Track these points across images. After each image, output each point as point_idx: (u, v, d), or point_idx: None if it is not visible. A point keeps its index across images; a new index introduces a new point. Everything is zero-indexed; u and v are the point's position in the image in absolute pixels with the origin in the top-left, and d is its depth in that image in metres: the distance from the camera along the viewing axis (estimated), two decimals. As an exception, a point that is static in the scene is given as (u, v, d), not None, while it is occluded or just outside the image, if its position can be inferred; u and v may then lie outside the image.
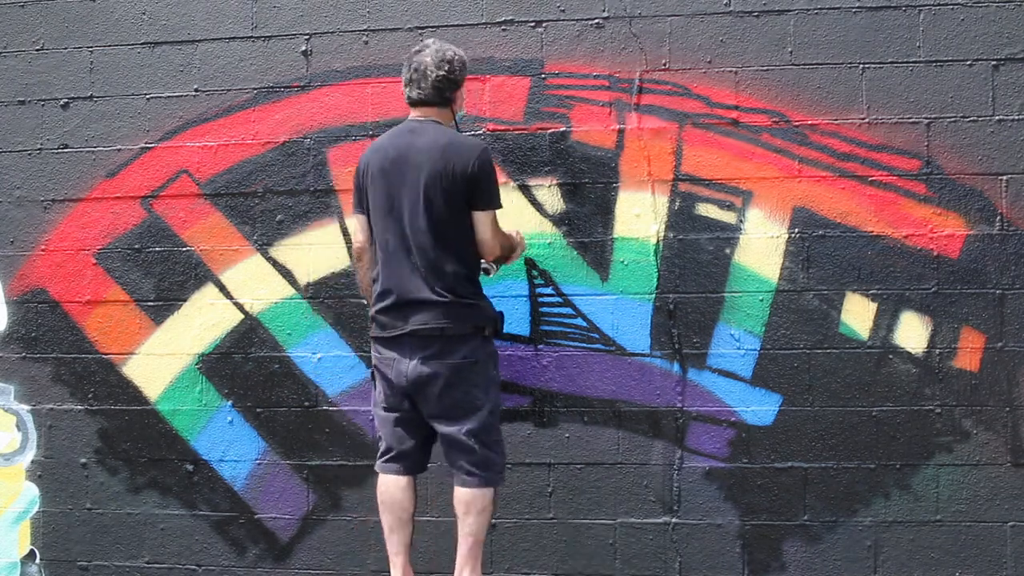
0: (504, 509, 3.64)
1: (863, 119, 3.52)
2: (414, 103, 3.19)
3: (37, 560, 3.89)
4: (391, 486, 3.19)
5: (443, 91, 3.16)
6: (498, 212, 3.19)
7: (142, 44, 3.89)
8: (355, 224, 3.30)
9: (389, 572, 3.26)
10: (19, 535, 3.91)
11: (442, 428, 3.12)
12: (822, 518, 3.52)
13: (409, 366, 3.07)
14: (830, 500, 3.52)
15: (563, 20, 3.67)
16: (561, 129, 3.64)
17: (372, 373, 3.26)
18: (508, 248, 3.31)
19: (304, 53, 3.80)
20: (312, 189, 3.77)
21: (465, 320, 3.10)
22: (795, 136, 3.54)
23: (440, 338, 3.06)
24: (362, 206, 3.23)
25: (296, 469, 3.77)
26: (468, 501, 3.12)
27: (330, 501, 3.75)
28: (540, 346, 3.63)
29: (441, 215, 3.07)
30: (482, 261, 3.24)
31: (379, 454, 3.23)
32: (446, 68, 3.14)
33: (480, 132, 3.67)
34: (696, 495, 3.57)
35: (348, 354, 3.73)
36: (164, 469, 3.83)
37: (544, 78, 3.66)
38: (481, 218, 3.13)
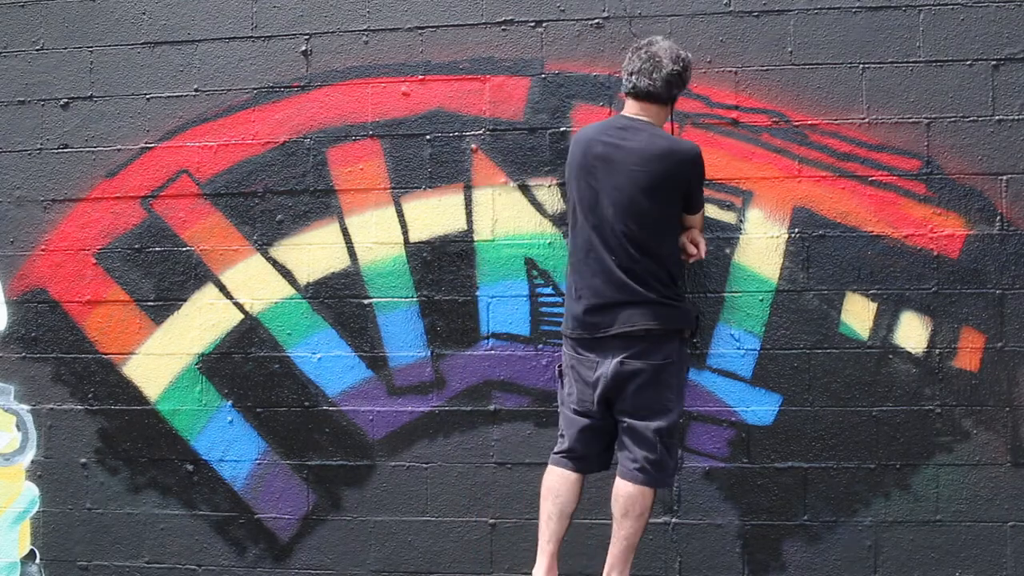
0: (504, 509, 3.64)
1: (863, 119, 3.52)
2: (637, 95, 3.12)
3: (37, 560, 3.89)
4: (561, 480, 3.14)
5: (672, 87, 3.11)
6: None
7: (142, 44, 3.89)
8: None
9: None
10: (19, 535, 3.91)
11: (630, 423, 3.08)
12: (822, 518, 3.52)
13: (611, 365, 3.04)
14: (830, 500, 3.52)
15: (563, 20, 3.67)
16: (561, 129, 3.64)
17: (559, 371, 3.24)
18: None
19: (304, 53, 3.80)
20: (312, 189, 3.77)
21: (669, 321, 3.07)
22: (795, 136, 3.54)
23: (645, 338, 3.03)
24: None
25: (296, 469, 3.77)
26: (631, 497, 3.07)
27: (330, 501, 3.75)
28: (540, 346, 3.63)
29: (653, 218, 3.03)
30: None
31: (557, 448, 3.19)
32: (681, 65, 3.10)
33: (479, 132, 3.68)
34: (696, 495, 3.57)
35: (348, 354, 3.73)
36: (164, 469, 3.84)
37: (544, 78, 3.66)
38: (695, 220, 3.22)
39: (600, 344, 3.07)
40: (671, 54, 3.10)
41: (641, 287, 3.03)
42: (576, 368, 3.14)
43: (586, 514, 3.59)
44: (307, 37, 3.80)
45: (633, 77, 3.12)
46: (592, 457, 3.18)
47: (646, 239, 3.04)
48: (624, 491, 3.08)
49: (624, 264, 3.03)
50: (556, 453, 3.20)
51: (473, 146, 3.68)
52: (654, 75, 3.09)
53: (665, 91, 3.12)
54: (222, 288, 3.81)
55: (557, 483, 3.15)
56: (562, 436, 3.20)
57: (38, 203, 3.92)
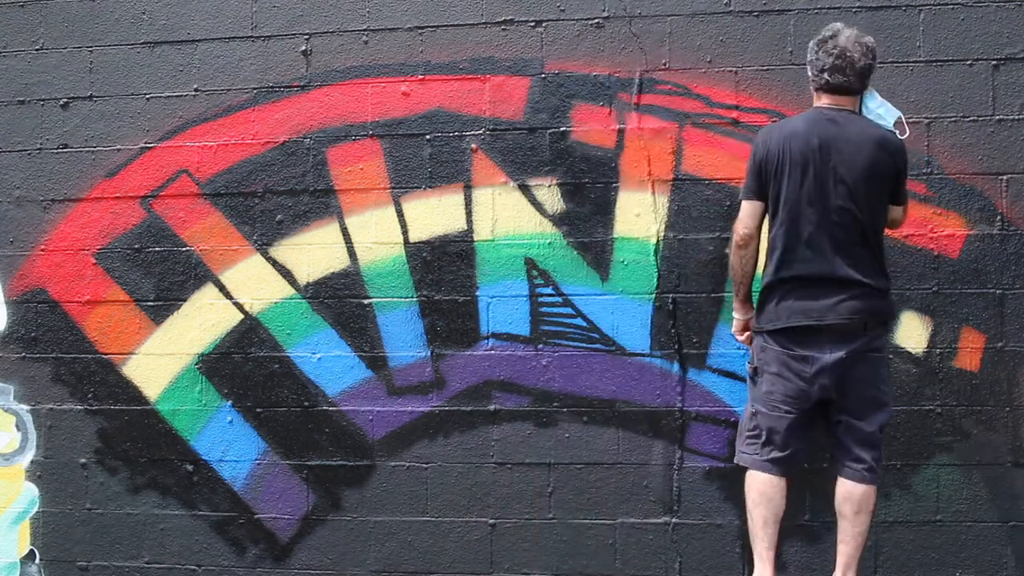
0: (504, 509, 3.64)
1: (863, 119, 3.52)
2: (832, 89, 3.11)
3: (37, 560, 3.89)
4: (772, 486, 3.10)
5: (865, 79, 3.12)
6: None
7: (142, 44, 3.89)
8: (747, 210, 3.16)
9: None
10: (19, 535, 3.91)
11: (852, 422, 3.07)
12: (822, 518, 3.51)
13: (830, 360, 3.01)
14: (830, 500, 3.51)
15: (563, 20, 3.67)
16: (561, 129, 3.64)
17: (753, 369, 3.18)
18: None
19: (304, 53, 3.80)
20: (312, 189, 3.77)
21: (881, 314, 3.08)
22: (795, 136, 3.53)
23: (862, 332, 3.02)
24: (762, 193, 3.13)
25: (296, 469, 3.76)
26: (864, 497, 3.06)
27: (330, 501, 3.75)
28: (540, 346, 3.63)
29: (873, 207, 3.04)
30: None
31: (762, 455, 3.12)
32: (871, 56, 3.11)
33: (479, 132, 3.67)
34: (696, 495, 3.56)
35: (348, 354, 3.73)
36: (164, 469, 3.83)
37: (544, 78, 3.66)
38: (899, 212, 3.20)
39: (814, 337, 3.03)
40: (859, 48, 3.09)
41: (863, 277, 3.02)
42: (786, 363, 3.08)
43: (584, 514, 3.60)
44: (307, 37, 3.80)
45: (825, 74, 3.10)
46: (797, 456, 3.13)
47: (867, 228, 3.04)
48: (857, 492, 3.07)
49: (847, 255, 3.02)
50: (760, 456, 3.12)
51: (473, 146, 3.68)
52: (848, 72, 3.08)
53: (860, 84, 3.12)
54: (222, 288, 3.81)
55: (770, 489, 3.10)
56: (761, 438, 3.12)
57: (38, 203, 3.92)
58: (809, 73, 3.16)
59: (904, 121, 3.21)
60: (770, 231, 3.14)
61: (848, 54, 3.07)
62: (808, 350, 3.04)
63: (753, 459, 3.15)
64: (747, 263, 3.19)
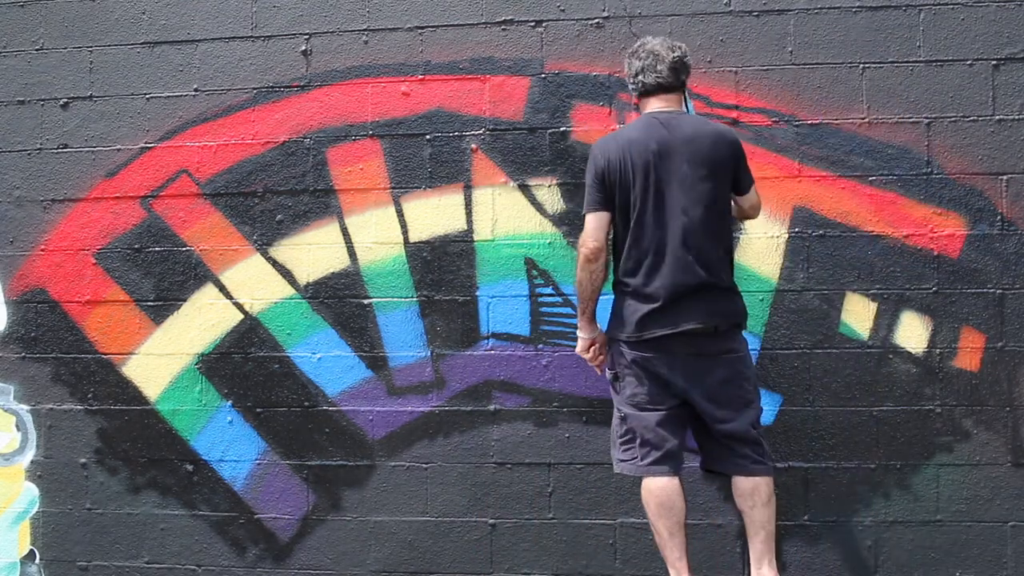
0: (504, 509, 3.64)
1: (863, 119, 3.52)
2: (651, 90, 3.15)
3: (37, 560, 3.89)
4: (667, 489, 3.07)
5: (679, 73, 3.14)
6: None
7: (142, 44, 3.90)
8: (594, 223, 3.09)
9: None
10: (19, 535, 3.91)
11: (721, 426, 3.07)
12: (822, 518, 3.52)
13: (682, 363, 3.03)
14: (830, 500, 3.52)
15: (563, 20, 3.67)
16: (561, 129, 3.64)
17: (614, 374, 3.16)
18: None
19: (304, 53, 3.80)
20: (312, 189, 3.77)
21: (733, 315, 3.09)
22: (795, 136, 3.54)
23: (714, 334, 3.04)
24: (608, 204, 3.09)
25: (296, 469, 3.77)
26: (755, 488, 3.06)
27: (330, 501, 3.75)
28: (540, 346, 3.63)
29: (717, 205, 3.05)
30: None
31: (640, 457, 3.09)
32: (679, 51, 3.15)
33: (479, 132, 3.68)
34: (696, 495, 3.56)
35: (348, 354, 3.73)
36: (164, 469, 3.83)
37: (544, 78, 3.66)
38: (752, 199, 3.20)
39: (666, 341, 3.03)
40: (665, 44, 3.16)
41: (713, 277, 3.03)
42: (643, 366, 3.07)
43: (585, 514, 3.60)
44: (307, 37, 3.80)
45: (639, 76, 3.16)
46: (677, 452, 3.09)
47: (716, 229, 3.05)
48: (748, 485, 3.07)
49: (697, 260, 3.01)
50: (642, 462, 3.09)
51: (473, 146, 3.68)
52: (659, 67, 3.12)
53: (674, 78, 3.14)
54: (222, 288, 3.81)
55: (667, 497, 3.07)
56: (635, 442, 3.10)
57: (38, 203, 3.92)
58: (629, 87, 3.22)
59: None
60: (616, 239, 3.14)
61: (656, 52, 3.13)
62: (662, 353, 3.05)
63: (636, 467, 3.11)
64: (597, 277, 3.13)
